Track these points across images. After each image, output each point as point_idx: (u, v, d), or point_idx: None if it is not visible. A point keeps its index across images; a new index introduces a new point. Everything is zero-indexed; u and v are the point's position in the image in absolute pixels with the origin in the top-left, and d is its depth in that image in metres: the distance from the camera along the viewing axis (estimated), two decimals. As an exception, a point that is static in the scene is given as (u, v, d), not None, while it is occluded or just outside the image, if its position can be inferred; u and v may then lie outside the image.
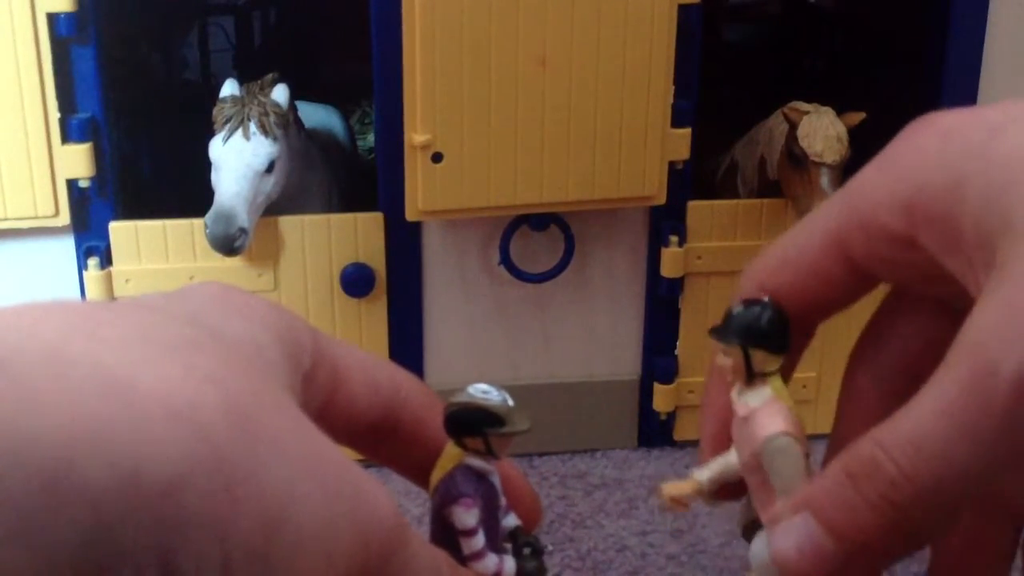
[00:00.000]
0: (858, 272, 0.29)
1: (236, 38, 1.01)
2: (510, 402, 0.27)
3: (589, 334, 0.71)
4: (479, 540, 0.27)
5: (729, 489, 0.31)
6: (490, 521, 0.28)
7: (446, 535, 0.27)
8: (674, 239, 0.68)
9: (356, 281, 0.67)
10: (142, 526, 0.19)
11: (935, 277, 0.27)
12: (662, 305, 0.70)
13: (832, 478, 0.26)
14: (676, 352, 0.71)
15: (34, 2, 0.62)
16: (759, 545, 0.28)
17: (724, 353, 0.29)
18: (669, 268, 0.69)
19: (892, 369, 0.31)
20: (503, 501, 0.29)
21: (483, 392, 0.27)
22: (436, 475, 0.28)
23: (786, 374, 0.30)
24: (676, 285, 0.69)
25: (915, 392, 0.31)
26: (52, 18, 0.62)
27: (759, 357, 0.29)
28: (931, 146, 0.27)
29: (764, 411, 0.28)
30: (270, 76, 0.67)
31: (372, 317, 0.68)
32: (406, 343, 0.69)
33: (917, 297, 0.31)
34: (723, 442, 0.31)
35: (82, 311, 0.21)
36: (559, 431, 0.72)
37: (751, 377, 0.29)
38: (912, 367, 0.31)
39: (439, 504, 0.28)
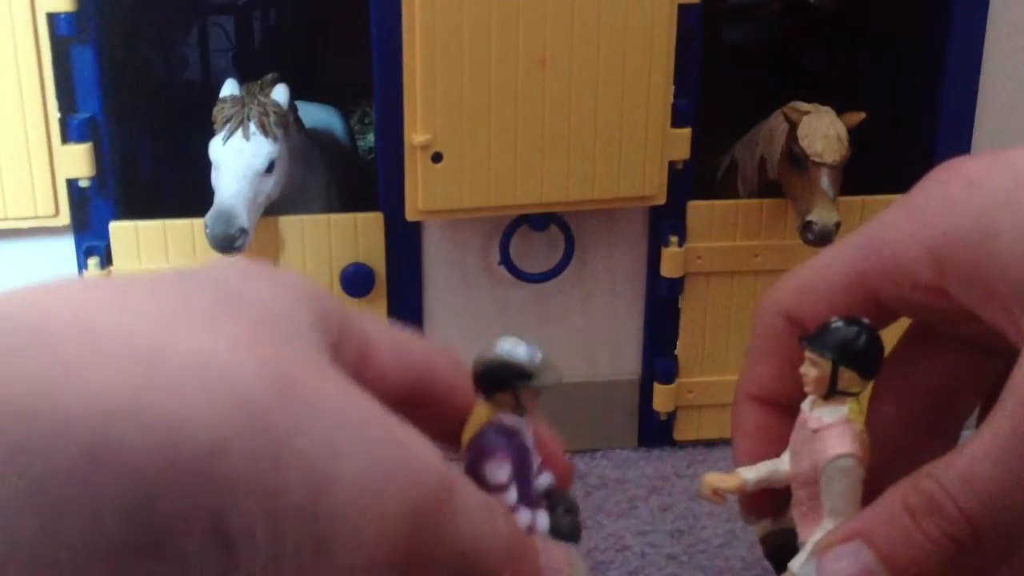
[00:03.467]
0: (882, 309, 0.30)
1: (236, 38, 1.02)
2: (539, 356, 0.27)
3: (589, 334, 0.71)
4: (512, 495, 0.27)
5: (770, 497, 0.31)
6: (522, 478, 0.27)
7: None
8: (674, 239, 0.68)
9: (356, 281, 0.67)
10: (187, 491, 0.19)
11: (963, 320, 0.28)
12: (662, 305, 0.70)
13: (889, 510, 0.26)
14: (676, 352, 0.71)
15: (34, 2, 0.62)
16: (804, 569, 0.29)
17: (811, 363, 0.29)
18: (669, 268, 0.69)
19: (918, 400, 0.32)
20: (536, 459, 0.28)
21: (511, 346, 0.27)
22: (467, 434, 0.28)
23: None
24: (676, 285, 0.69)
25: (943, 424, 0.32)
26: (52, 18, 0.62)
27: (847, 376, 0.28)
28: (957, 195, 0.27)
29: (835, 429, 0.28)
30: (270, 76, 0.67)
31: (372, 317, 0.68)
32: (406, 343, 0.69)
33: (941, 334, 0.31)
34: (761, 456, 0.31)
35: (111, 284, 0.22)
36: (559, 431, 0.71)
37: (831, 393, 0.29)
38: (939, 399, 0.32)
39: (471, 461, 0.27)
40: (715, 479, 0.31)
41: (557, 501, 0.29)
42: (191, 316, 0.21)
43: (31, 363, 0.18)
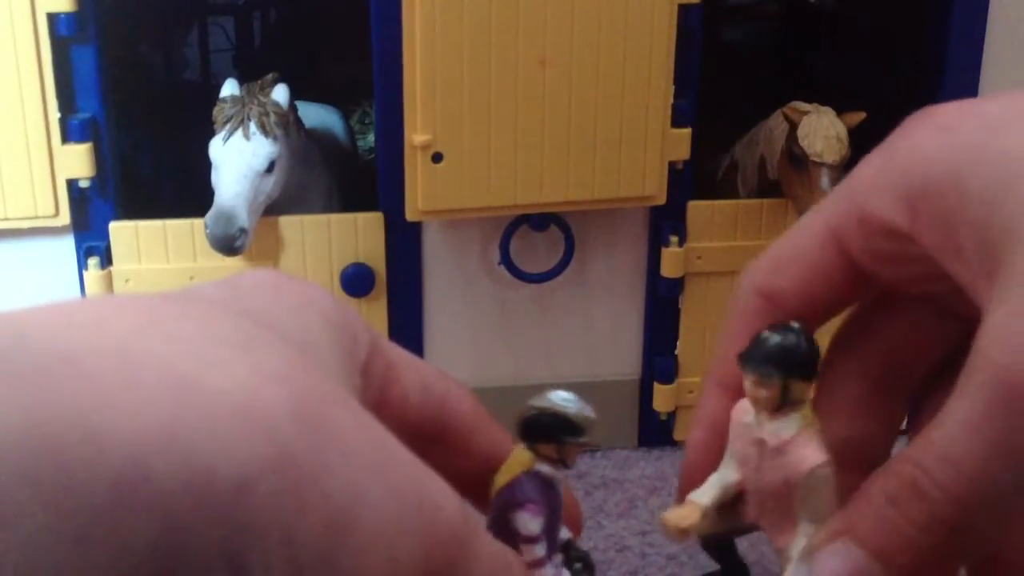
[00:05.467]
0: (854, 269, 0.29)
1: (236, 38, 1.02)
2: (588, 412, 0.27)
3: (589, 334, 0.71)
4: (541, 548, 0.27)
5: (726, 515, 0.31)
6: (551, 531, 0.27)
7: (505, 540, 0.26)
8: (674, 239, 0.68)
9: (356, 281, 0.67)
10: (211, 527, 0.18)
11: (931, 275, 0.27)
12: (662, 305, 0.70)
13: (871, 502, 0.25)
14: (676, 352, 0.71)
15: (34, 2, 0.62)
16: (796, 574, 0.28)
17: (756, 384, 0.28)
18: (669, 268, 0.69)
19: (876, 361, 0.31)
20: (562, 512, 0.28)
21: (563, 399, 0.27)
22: (501, 478, 0.27)
23: None
24: (676, 285, 0.69)
25: (900, 386, 0.31)
26: (52, 18, 0.62)
27: (797, 387, 0.27)
28: (930, 142, 0.27)
29: (800, 440, 0.27)
30: (270, 76, 0.67)
31: (372, 317, 0.68)
32: (406, 343, 0.68)
33: (907, 296, 0.31)
34: (712, 449, 0.31)
35: (149, 307, 0.21)
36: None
37: (782, 405, 0.28)
38: (898, 361, 0.31)
39: (502, 507, 0.27)
40: (675, 518, 0.30)
41: (573, 556, 0.28)
42: (227, 346, 0.21)
43: (65, 391, 0.18)
